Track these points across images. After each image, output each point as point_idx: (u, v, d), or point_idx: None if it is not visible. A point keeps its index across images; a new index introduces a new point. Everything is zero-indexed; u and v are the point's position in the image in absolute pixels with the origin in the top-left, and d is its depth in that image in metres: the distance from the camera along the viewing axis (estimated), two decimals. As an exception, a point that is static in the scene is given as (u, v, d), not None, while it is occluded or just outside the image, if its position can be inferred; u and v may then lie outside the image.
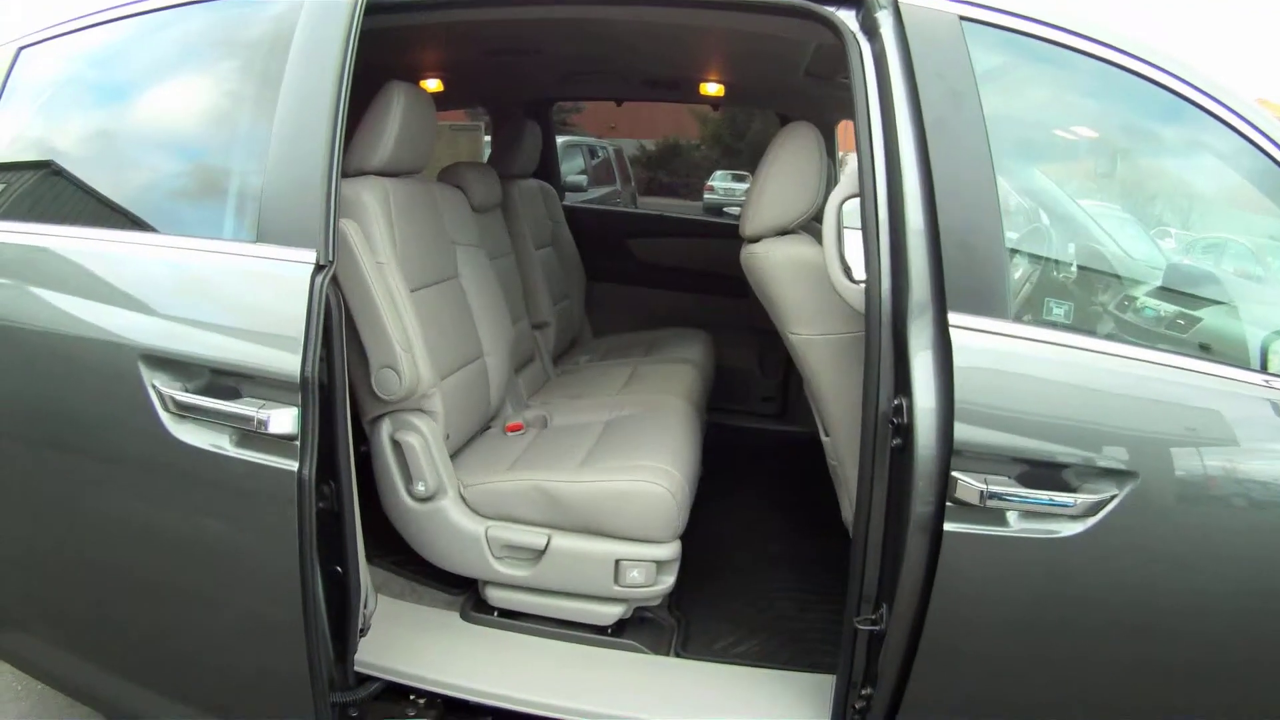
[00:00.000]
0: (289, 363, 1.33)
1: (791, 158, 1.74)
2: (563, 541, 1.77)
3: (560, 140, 3.92)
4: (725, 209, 8.81)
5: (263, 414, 1.33)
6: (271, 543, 1.39)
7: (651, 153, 14.09)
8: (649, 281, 3.53)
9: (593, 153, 8.48)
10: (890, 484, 1.35)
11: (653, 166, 13.85)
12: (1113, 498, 1.22)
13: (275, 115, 1.42)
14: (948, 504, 1.24)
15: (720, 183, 11.97)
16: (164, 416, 1.38)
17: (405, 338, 1.75)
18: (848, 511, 1.80)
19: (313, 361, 1.33)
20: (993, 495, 1.21)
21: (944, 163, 1.28)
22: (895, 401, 1.29)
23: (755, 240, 1.77)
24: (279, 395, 1.35)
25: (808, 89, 2.71)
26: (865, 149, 1.35)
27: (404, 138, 1.87)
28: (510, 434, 2.16)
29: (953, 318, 1.24)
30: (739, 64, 2.78)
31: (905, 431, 1.26)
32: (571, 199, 3.94)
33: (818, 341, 1.68)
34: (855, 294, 1.49)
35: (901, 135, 1.31)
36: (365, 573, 1.61)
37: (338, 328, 1.41)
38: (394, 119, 1.84)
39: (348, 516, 1.48)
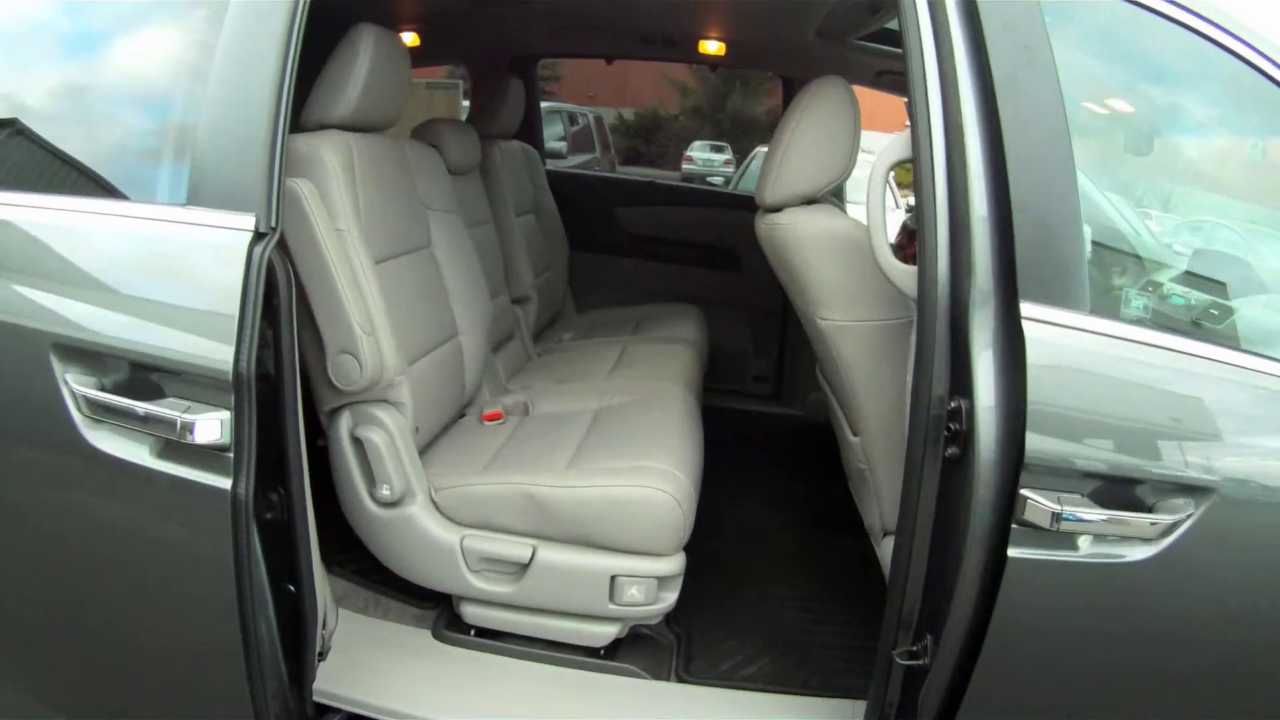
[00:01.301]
0: (219, 355, 1.11)
1: (821, 116, 1.49)
2: (550, 554, 1.52)
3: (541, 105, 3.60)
4: (708, 179, 8.58)
5: (187, 418, 1.10)
6: (205, 572, 1.18)
7: (630, 122, 13.86)
8: (636, 253, 3.23)
9: (573, 119, 8.23)
10: (941, 499, 1.16)
11: (631, 136, 13.64)
12: (1187, 517, 1.06)
13: (216, 54, 1.19)
14: (1013, 526, 1.06)
15: (699, 153, 11.84)
16: (77, 419, 1.15)
17: (367, 318, 1.48)
18: (874, 519, 1.57)
19: (249, 353, 1.11)
20: (1068, 517, 1.03)
21: (1016, 128, 1.09)
22: (952, 404, 1.10)
23: (776, 209, 1.52)
24: (209, 395, 1.12)
25: (816, 50, 2.47)
26: (921, 108, 1.15)
27: (372, 87, 1.59)
28: (488, 424, 1.90)
29: (1025, 308, 1.06)
30: (744, 19, 2.50)
31: (963, 440, 1.09)
32: (551, 165, 3.63)
33: (853, 329, 1.43)
34: (906, 277, 1.25)
35: (963, 94, 1.12)
36: (324, 588, 1.38)
37: (286, 307, 1.19)
38: (362, 65, 1.57)
39: (300, 528, 1.26)
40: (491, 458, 1.68)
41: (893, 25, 2.40)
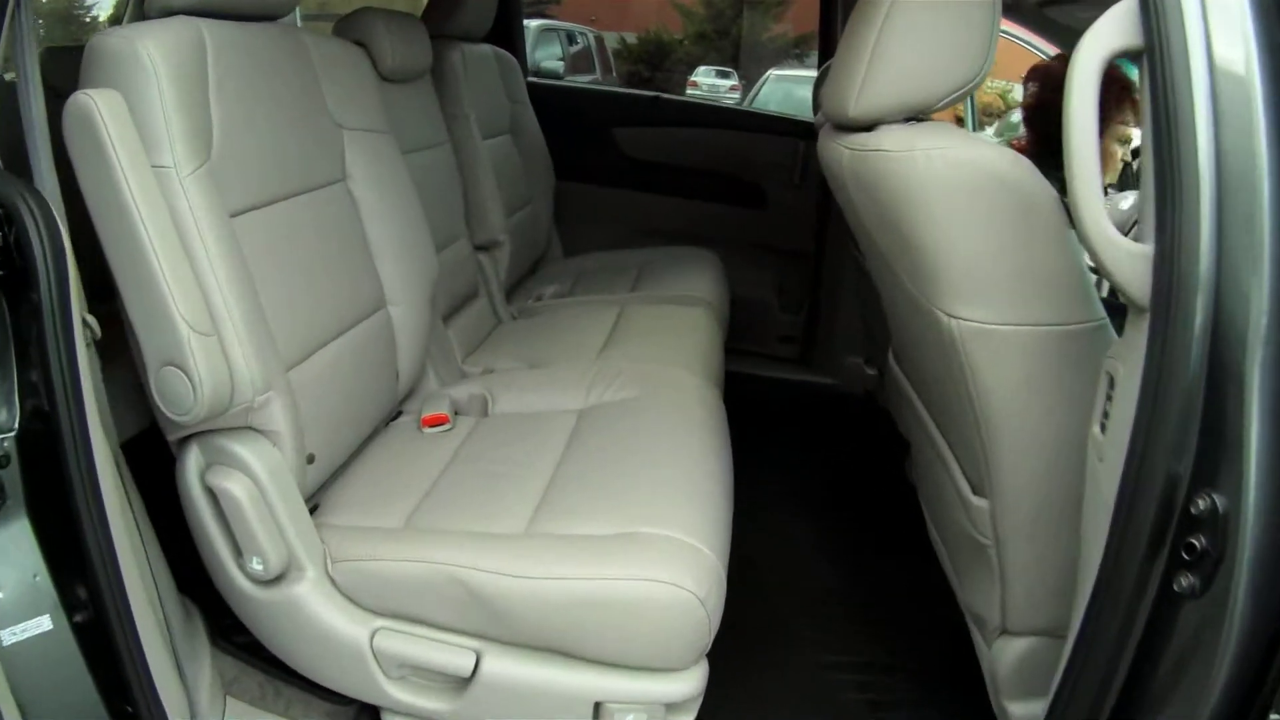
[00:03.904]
0: None
1: None
2: (502, 665, 0.94)
3: (536, 23, 2.86)
4: (715, 105, 7.86)
5: None
6: None
7: (632, 46, 12.95)
8: (637, 183, 2.54)
9: (571, 39, 7.36)
10: (1146, 645, 0.68)
11: (634, 61, 12.78)
12: None
13: None
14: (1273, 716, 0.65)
15: (704, 79, 11.13)
16: None
17: (201, 308, 0.87)
18: (988, 610, 1.00)
19: None
20: None
21: None
22: (1199, 503, 0.64)
23: (866, 127, 0.90)
24: None
25: None
26: None
27: None
28: (428, 430, 1.30)
29: None
30: None
31: (1212, 566, 0.64)
32: (532, 79, 2.90)
33: (1001, 335, 0.82)
34: (1132, 261, 0.64)
35: None
36: (206, 674, 1.00)
37: (50, 298, 0.77)
38: None
39: (120, 631, 0.84)
40: (418, 503, 1.09)
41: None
